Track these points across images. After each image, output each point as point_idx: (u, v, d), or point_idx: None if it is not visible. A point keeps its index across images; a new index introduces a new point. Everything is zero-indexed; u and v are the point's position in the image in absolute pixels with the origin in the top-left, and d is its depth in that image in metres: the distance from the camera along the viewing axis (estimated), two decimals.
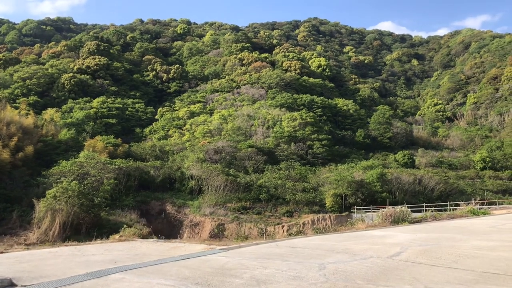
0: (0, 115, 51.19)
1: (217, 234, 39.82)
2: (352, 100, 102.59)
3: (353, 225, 21.47)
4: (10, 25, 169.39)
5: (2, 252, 12.26)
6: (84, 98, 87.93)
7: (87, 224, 32.42)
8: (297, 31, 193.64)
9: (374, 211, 41.59)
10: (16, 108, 65.83)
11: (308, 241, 11.42)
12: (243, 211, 46.07)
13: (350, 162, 66.90)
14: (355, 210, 46.51)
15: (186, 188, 51.82)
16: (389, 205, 44.28)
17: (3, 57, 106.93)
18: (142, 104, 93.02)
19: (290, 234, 28.38)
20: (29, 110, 66.29)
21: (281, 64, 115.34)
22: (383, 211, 18.54)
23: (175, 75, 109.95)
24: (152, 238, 23.58)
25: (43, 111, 73.14)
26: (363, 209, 45.89)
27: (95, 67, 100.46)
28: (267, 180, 52.07)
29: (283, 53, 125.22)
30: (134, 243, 13.85)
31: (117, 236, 20.02)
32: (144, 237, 23.31)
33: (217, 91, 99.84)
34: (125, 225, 29.41)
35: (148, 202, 47.27)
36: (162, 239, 19.47)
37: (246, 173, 56.26)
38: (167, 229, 42.26)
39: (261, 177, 53.80)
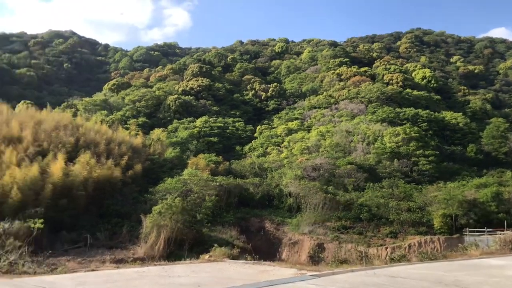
0: (113, 136, 55.42)
1: (315, 255, 38.74)
2: (461, 113, 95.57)
3: (465, 250, 19.30)
4: (123, 53, 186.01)
5: (93, 270, 12.68)
6: (188, 118, 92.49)
7: (189, 240, 33.32)
8: (398, 43, 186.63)
9: (489, 234, 37.91)
10: (127, 129, 70.96)
11: (411, 269, 10.22)
12: (343, 231, 44.48)
13: (461, 179, 61.85)
14: (467, 233, 42.58)
15: (285, 206, 51.62)
16: (507, 227, 39.96)
17: (116, 82, 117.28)
18: (242, 122, 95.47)
19: (392, 259, 26.44)
20: (138, 131, 71.04)
21: (382, 77, 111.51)
22: (501, 235, 16.41)
23: (273, 93, 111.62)
24: (246, 257, 23.29)
25: (151, 131, 78.03)
26: (477, 231, 41.88)
27: (198, 88, 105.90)
28: (369, 198, 49.92)
29: (383, 66, 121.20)
30: (222, 264, 13.61)
31: (206, 256, 20.02)
32: (234, 257, 23.09)
33: (315, 108, 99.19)
34: (215, 245, 29.51)
35: (248, 219, 47.67)
36: (255, 259, 19.08)
37: (345, 191, 54.58)
38: (266, 246, 42.15)
39: (362, 195, 51.77)
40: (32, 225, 27.19)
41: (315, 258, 37.26)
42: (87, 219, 38.85)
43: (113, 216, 40.39)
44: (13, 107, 70.52)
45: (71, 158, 44.35)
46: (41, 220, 28.50)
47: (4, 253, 18.19)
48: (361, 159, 65.21)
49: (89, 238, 33.67)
